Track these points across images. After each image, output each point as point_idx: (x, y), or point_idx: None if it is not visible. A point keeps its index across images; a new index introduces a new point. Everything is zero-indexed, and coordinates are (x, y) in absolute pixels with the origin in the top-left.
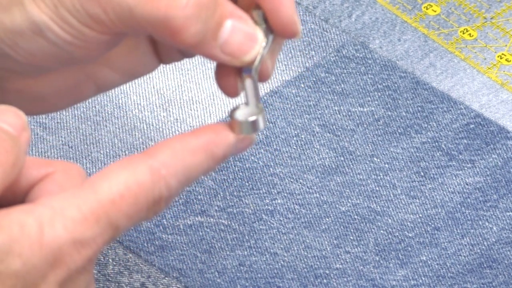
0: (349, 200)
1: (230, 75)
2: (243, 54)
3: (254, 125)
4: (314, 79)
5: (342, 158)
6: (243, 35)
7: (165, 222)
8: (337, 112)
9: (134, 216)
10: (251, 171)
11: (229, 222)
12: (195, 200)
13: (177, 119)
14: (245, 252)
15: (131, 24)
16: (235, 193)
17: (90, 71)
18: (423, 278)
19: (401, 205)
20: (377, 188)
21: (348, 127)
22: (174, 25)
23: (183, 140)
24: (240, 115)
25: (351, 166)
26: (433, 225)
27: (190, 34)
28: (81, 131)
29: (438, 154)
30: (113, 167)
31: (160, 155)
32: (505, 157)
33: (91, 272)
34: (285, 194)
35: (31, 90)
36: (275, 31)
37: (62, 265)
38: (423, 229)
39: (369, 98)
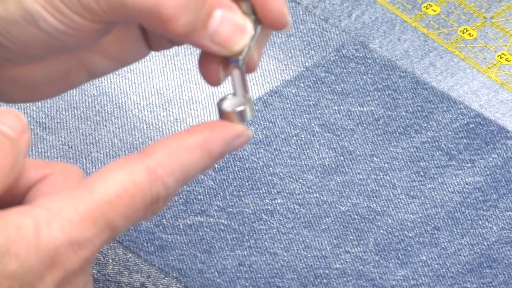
0: (349, 200)
1: (214, 64)
2: (233, 44)
3: (241, 115)
4: (314, 78)
5: (342, 158)
6: (232, 26)
7: (165, 222)
8: (337, 111)
9: (132, 216)
10: (251, 171)
11: (229, 222)
12: (195, 200)
13: (177, 119)
14: (245, 252)
15: (122, 13)
16: (235, 193)
17: (81, 58)
18: (423, 278)
19: (401, 205)
20: (377, 188)
21: (348, 127)
22: (164, 15)
23: (180, 138)
24: (227, 105)
25: (351, 165)
26: (433, 225)
27: (180, 24)
28: (81, 131)
29: (438, 153)
30: (110, 168)
31: (156, 154)
32: (505, 156)
33: (88, 272)
34: (285, 194)
35: (24, 78)
36: (264, 22)
37: (59, 266)
38: (423, 229)
39: (369, 98)
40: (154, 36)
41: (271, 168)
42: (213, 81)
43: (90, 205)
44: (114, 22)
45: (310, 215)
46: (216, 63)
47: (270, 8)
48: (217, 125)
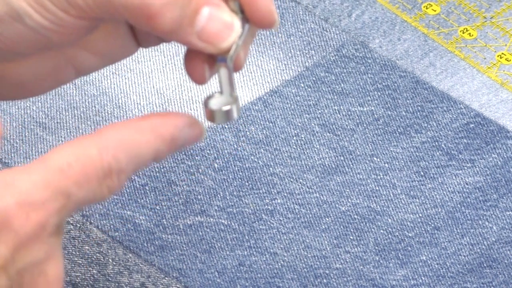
0: (349, 200)
1: (199, 62)
2: (220, 42)
3: (227, 114)
4: (314, 78)
5: (342, 158)
6: (220, 23)
7: (165, 222)
8: (337, 111)
9: (85, 185)
10: (251, 171)
11: (229, 222)
12: (195, 200)
13: None
14: (245, 252)
15: (108, 9)
16: (235, 193)
17: (69, 55)
18: (423, 278)
19: (401, 204)
20: (377, 188)
21: (348, 127)
22: (150, 10)
23: (130, 122)
24: (214, 103)
25: (351, 165)
26: (433, 225)
27: (167, 20)
28: (81, 131)
29: (438, 153)
30: (63, 145)
31: (106, 133)
32: (505, 156)
33: (50, 244)
34: (285, 194)
35: (11, 75)
36: (252, 21)
37: (9, 228)
38: (423, 229)
39: (369, 98)
40: (142, 32)
41: (271, 168)
42: (199, 80)
43: (42, 172)
44: (100, 19)
45: (310, 215)
46: (201, 61)
47: (258, 6)
48: (170, 113)
